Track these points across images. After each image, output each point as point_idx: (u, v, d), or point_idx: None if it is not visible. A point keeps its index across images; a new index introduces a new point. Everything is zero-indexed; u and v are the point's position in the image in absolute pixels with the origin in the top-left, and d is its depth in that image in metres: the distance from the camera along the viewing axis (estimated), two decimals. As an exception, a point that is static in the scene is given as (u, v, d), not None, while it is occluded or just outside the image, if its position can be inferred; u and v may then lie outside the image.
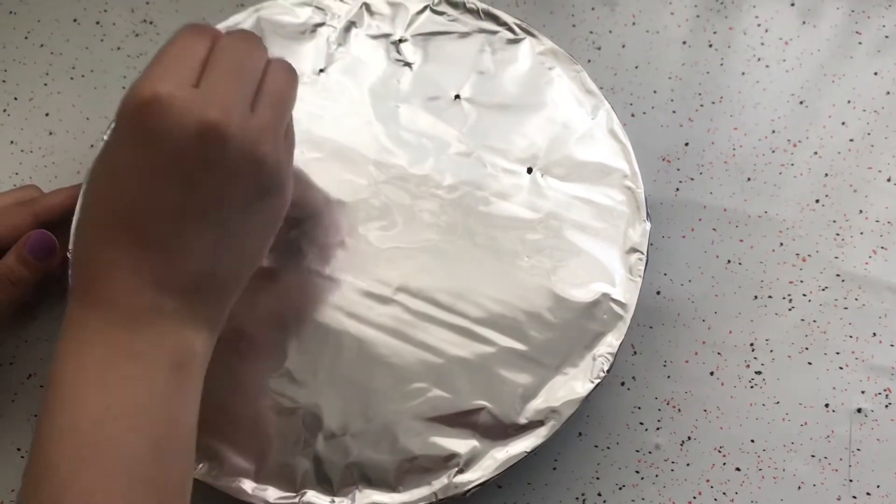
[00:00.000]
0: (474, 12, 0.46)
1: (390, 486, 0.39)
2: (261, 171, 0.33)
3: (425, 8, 0.46)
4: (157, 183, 0.32)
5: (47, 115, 0.50)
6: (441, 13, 0.46)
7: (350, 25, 0.46)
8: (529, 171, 0.43)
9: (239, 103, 0.32)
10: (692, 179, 0.47)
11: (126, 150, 0.32)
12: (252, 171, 0.33)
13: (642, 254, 0.41)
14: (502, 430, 0.39)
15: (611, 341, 0.40)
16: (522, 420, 0.39)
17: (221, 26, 0.46)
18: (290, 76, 0.36)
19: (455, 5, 0.46)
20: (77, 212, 0.41)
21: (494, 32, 0.45)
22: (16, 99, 0.50)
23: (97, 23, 0.51)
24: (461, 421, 0.39)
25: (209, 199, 0.32)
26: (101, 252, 0.33)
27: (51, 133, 0.49)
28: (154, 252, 0.32)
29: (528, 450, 0.39)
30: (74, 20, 0.51)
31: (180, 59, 0.33)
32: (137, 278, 0.32)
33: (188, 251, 0.33)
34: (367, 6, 0.46)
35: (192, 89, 0.32)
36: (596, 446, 0.44)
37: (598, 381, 0.39)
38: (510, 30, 0.45)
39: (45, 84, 0.50)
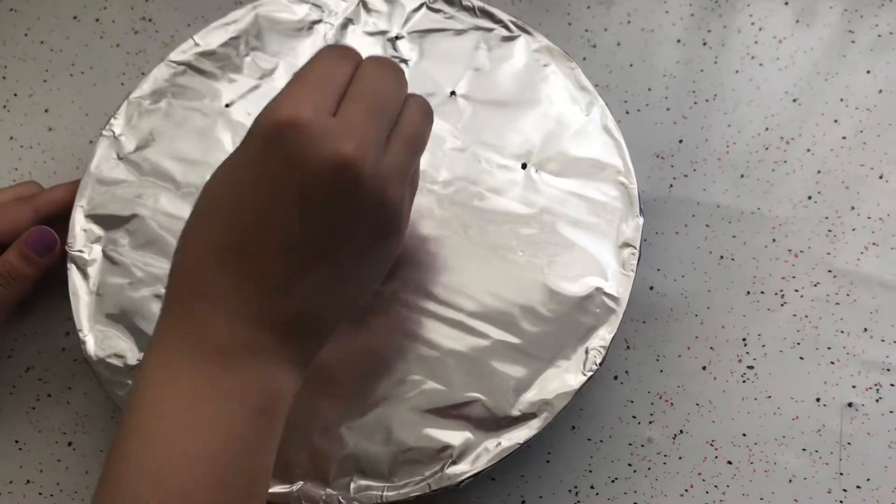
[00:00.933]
0: (470, 10, 0.46)
1: (384, 477, 0.39)
2: (384, 214, 0.32)
3: (421, 5, 0.46)
4: (279, 212, 0.30)
5: (47, 111, 0.50)
6: (437, 10, 0.46)
7: (347, 22, 0.46)
8: (524, 166, 0.43)
9: (375, 140, 0.30)
10: (686, 176, 0.48)
11: (253, 169, 0.30)
12: (376, 213, 0.31)
13: (635, 248, 0.42)
14: (496, 423, 0.40)
15: (603, 335, 0.40)
16: (515, 412, 0.40)
17: (219, 23, 0.46)
18: (426, 116, 0.34)
19: (451, 3, 0.46)
20: (189, 218, 0.32)
21: (490, 30, 0.46)
22: (15, 95, 0.51)
23: (97, 20, 0.52)
24: (455, 413, 0.40)
25: (329, 237, 0.31)
26: (204, 272, 0.31)
27: (50, 129, 0.50)
28: (260, 285, 0.30)
29: (521, 442, 0.39)
30: (74, 17, 0.52)
31: (322, 83, 0.31)
32: (238, 309, 0.30)
33: (295, 289, 0.31)
34: (363, 3, 0.47)
35: (331, 118, 0.30)
36: (589, 439, 0.44)
37: (591, 373, 0.40)
38: (505, 27, 0.46)
39: (45, 80, 0.51)
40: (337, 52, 0.32)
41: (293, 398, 0.33)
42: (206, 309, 0.30)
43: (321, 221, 0.30)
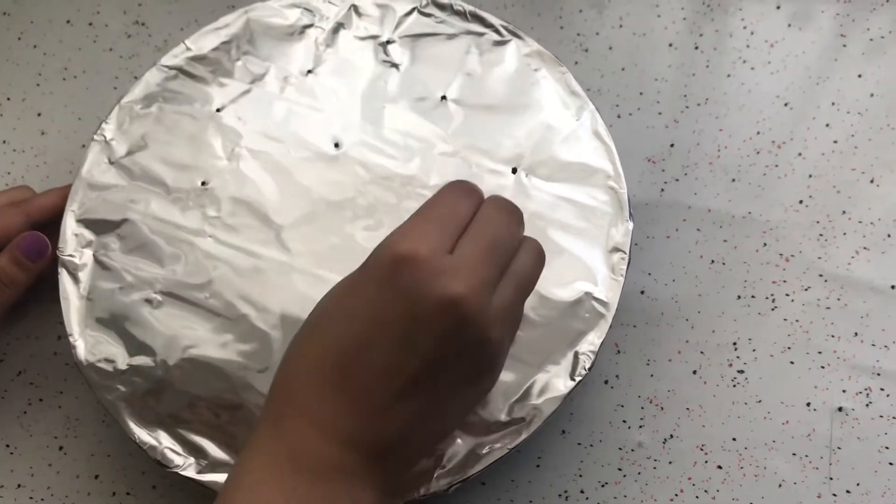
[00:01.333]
0: (461, 14, 0.46)
1: (374, 482, 0.39)
2: (483, 355, 0.33)
3: (413, 10, 0.46)
4: (386, 338, 0.31)
5: (40, 115, 0.50)
6: (428, 15, 0.46)
7: (338, 27, 0.46)
8: (514, 171, 0.43)
9: (486, 282, 0.32)
10: (677, 180, 0.48)
11: (367, 295, 0.32)
12: (476, 353, 0.32)
13: (625, 253, 0.42)
14: (485, 427, 0.40)
15: (593, 339, 0.40)
16: (505, 417, 0.40)
17: (211, 27, 0.46)
18: (539, 261, 0.35)
19: (442, 7, 0.46)
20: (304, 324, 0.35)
21: (481, 34, 0.46)
22: (8, 99, 0.51)
23: (90, 24, 0.52)
24: (444, 418, 0.40)
25: (428, 370, 0.32)
26: (305, 386, 0.32)
27: (43, 133, 0.50)
28: (359, 406, 0.32)
29: (511, 446, 0.39)
30: (67, 21, 0.52)
31: (444, 220, 0.33)
32: (333, 428, 0.32)
33: (391, 415, 0.32)
34: (355, 8, 0.47)
35: (446, 256, 0.32)
36: (579, 444, 0.44)
37: (580, 378, 0.40)
38: (497, 32, 0.46)
39: (38, 84, 0.51)
40: (462, 189, 0.35)
41: None
42: (303, 424, 0.32)
43: (424, 354, 0.31)
